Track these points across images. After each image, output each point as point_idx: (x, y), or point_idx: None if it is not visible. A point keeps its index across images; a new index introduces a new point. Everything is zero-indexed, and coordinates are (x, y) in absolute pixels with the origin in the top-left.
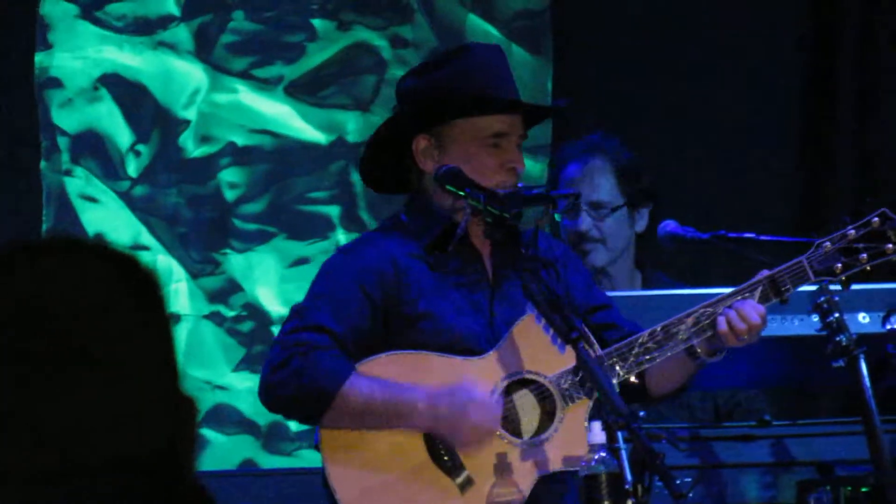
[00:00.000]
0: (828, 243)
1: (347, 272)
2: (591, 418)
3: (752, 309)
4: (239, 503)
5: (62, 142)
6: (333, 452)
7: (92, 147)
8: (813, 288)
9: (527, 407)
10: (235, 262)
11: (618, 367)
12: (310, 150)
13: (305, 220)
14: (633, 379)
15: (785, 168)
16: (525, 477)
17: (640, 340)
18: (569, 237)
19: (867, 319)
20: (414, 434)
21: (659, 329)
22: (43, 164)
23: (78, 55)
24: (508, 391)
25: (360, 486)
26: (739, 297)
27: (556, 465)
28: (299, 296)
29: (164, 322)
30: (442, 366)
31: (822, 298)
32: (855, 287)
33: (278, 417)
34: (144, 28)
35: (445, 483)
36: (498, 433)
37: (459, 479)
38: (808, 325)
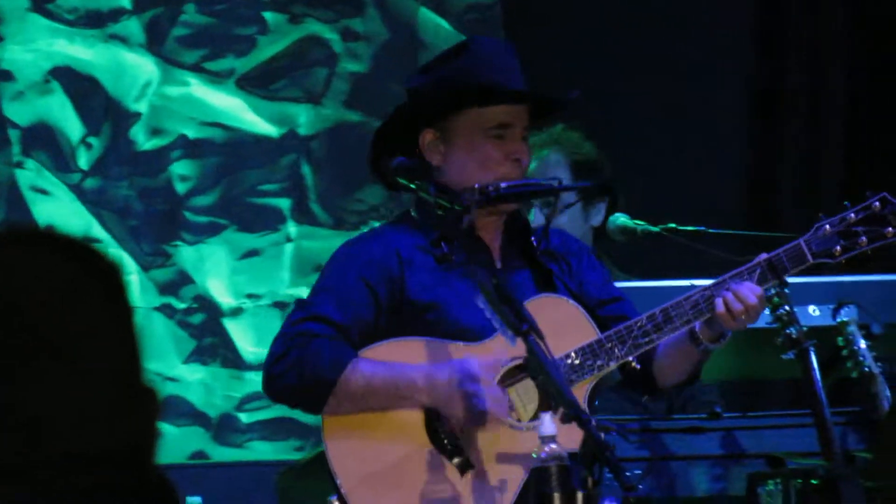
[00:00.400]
0: (827, 226)
1: (352, 265)
2: (542, 410)
3: (749, 290)
4: (190, 494)
5: (13, 134)
6: (335, 439)
7: (43, 139)
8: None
9: (526, 392)
10: (186, 255)
11: (616, 350)
12: (261, 142)
13: (256, 212)
14: (634, 364)
15: (735, 162)
16: (523, 461)
17: (638, 324)
18: None
19: (817, 312)
20: (413, 418)
21: (658, 312)
22: None
23: (29, 48)
24: (510, 375)
25: (362, 470)
26: (736, 280)
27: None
28: (251, 287)
29: (127, 314)
30: (444, 350)
31: (773, 291)
32: (805, 280)
33: (229, 409)
34: (96, 21)
35: (445, 465)
36: (495, 415)
37: (458, 462)
38: (759, 317)
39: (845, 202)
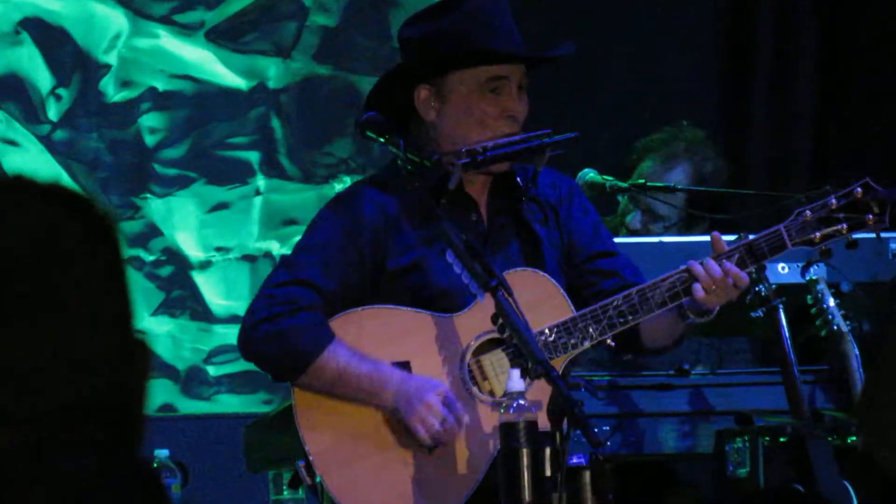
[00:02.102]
0: (808, 212)
1: (338, 225)
2: (511, 367)
3: (729, 273)
4: (157, 447)
5: None
6: (306, 406)
7: (12, 91)
8: (732, 237)
9: (499, 367)
10: (155, 207)
11: (591, 329)
12: (230, 95)
13: (225, 165)
14: (610, 343)
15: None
16: (494, 435)
17: (614, 303)
18: None
19: (786, 270)
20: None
21: (634, 293)
22: None
23: None
24: (483, 349)
25: (331, 438)
26: (714, 263)
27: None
28: (220, 240)
29: (119, 263)
30: (415, 322)
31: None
32: None
33: (197, 362)
34: None
35: (414, 439)
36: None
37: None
38: None
39: (827, 186)
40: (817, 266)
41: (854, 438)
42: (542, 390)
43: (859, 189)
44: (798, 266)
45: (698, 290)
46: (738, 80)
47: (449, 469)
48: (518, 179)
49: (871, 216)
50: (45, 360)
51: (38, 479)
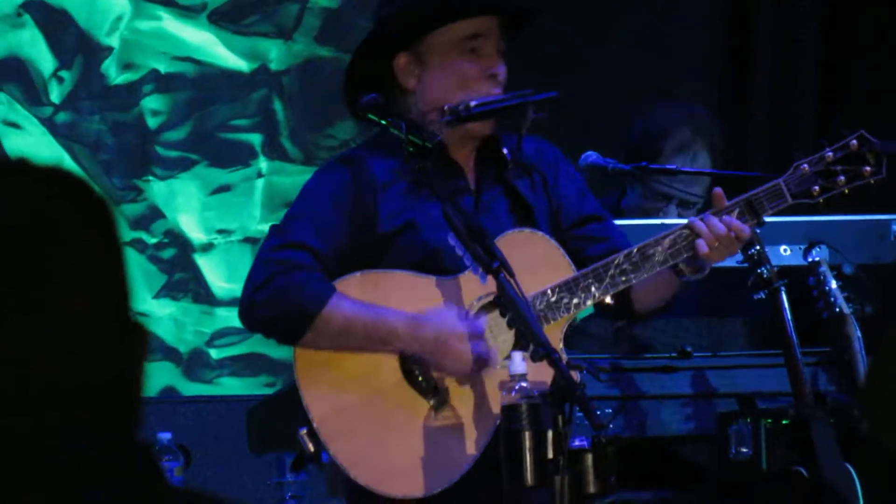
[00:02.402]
0: (805, 165)
1: (327, 190)
2: (514, 349)
3: (730, 227)
4: (160, 430)
5: None
6: (307, 372)
7: (14, 73)
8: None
9: (498, 329)
10: (158, 190)
11: (593, 289)
12: (232, 77)
13: (227, 147)
14: (608, 300)
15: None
16: (498, 398)
17: (616, 262)
18: None
19: (788, 252)
20: (388, 356)
21: (635, 251)
22: None
23: None
24: (484, 310)
25: (334, 404)
26: (715, 218)
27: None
28: (222, 223)
29: (116, 247)
30: (416, 286)
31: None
32: (776, 219)
33: (199, 345)
34: None
35: (420, 403)
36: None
37: (433, 400)
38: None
39: (822, 140)
40: (819, 248)
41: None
42: (545, 370)
43: (855, 141)
44: (800, 248)
45: (701, 245)
46: (739, 77)
47: (454, 433)
48: (504, 150)
49: (867, 168)
50: (41, 343)
51: (34, 465)
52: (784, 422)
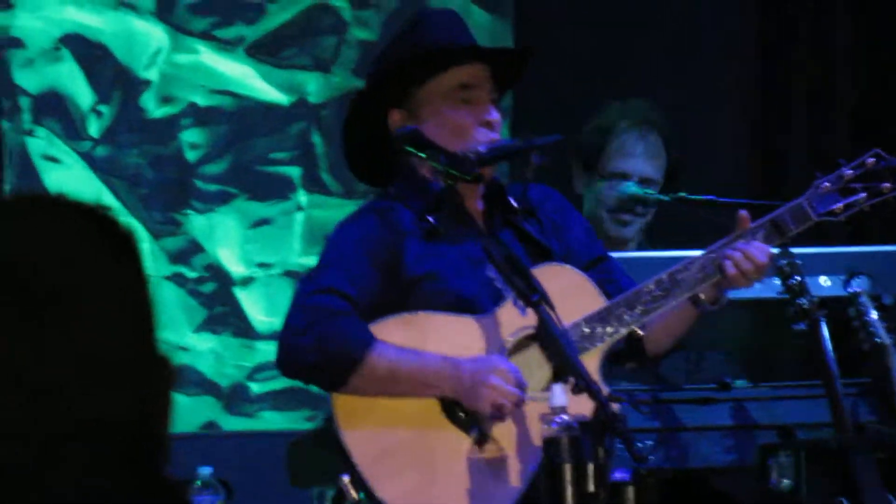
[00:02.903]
0: (826, 183)
1: (353, 240)
2: (553, 382)
3: (757, 249)
4: (200, 465)
5: (24, 102)
6: (346, 414)
7: (54, 107)
8: (774, 251)
9: (535, 360)
10: (197, 223)
11: (626, 316)
12: (271, 110)
13: (266, 181)
14: (639, 332)
15: (743, 132)
16: (539, 430)
17: (646, 289)
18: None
19: (829, 283)
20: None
21: (665, 277)
22: (4, 124)
23: (39, 15)
24: (518, 348)
25: (376, 446)
26: (742, 240)
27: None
28: (262, 256)
29: (141, 280)
30: (450, 325)
31: (784, 261)
32: (815, 250)
33: (240, 379)
34: None
35: (461, 439)
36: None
37: (476, 436)
38: (769, 287)
39: (840, 160)
40: (859, 279)
41: None
42: (585, 401)
43: (871, 159)
44: (840, 279)
45: (729, 266)
46: (773, 114)
47: (498, 469)
48: (510, 199)
49: (887, 184)
50: (64, 372)
51: (59, 499)
52: (825, 453)
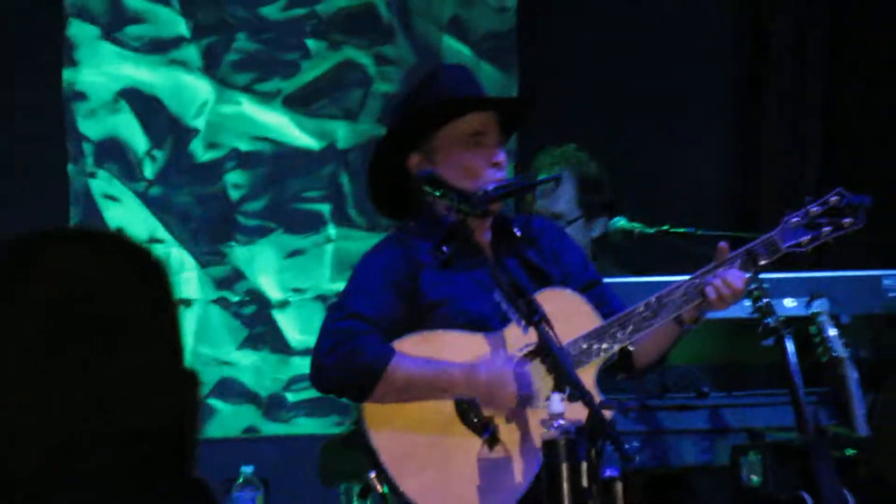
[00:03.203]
0: (794, 219)
1: (375, 270)
2: (553, 391)
3: (735, 276)
4: (243, 464)
5: (87, 148)
6: (373, 420)
7: (113, 152)
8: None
9: (540, 374)
10: (239, 254)
11: (619, 335)
12: (304, 155)
13: (301, 216)
14: (630, 347)
15: (721, 170)
16: (540, 434)
17: (637, 310)
18: None
19: (793, 303)
20: (445, 401)
21: (653, 300)
22: (70, 167)
23: (100, 71)
24: (525, 359)
25: (400, 447)
26: (721, 268)
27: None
28: (296, 282)
29: (173, 305)
30: (465, 341)
31: (754, 286)
32: (782, 275)
33: (277, 389)
34: (159, 47)
35: (474, 440)
36: (524, 399)
37: (487, 438)
38: (740, 309)
39: (807, 197)
40: (820, 300)
41: (852, 452)
42: (581, 408)
43: (834, 197)
44: (803, 300)
45: (711, 292)
46: (752, 118)
47: (507, 468)
48: (515, 228)
49: (848, 219)
50: (110, 388)
51: (108, 499)
52: (789, 452)
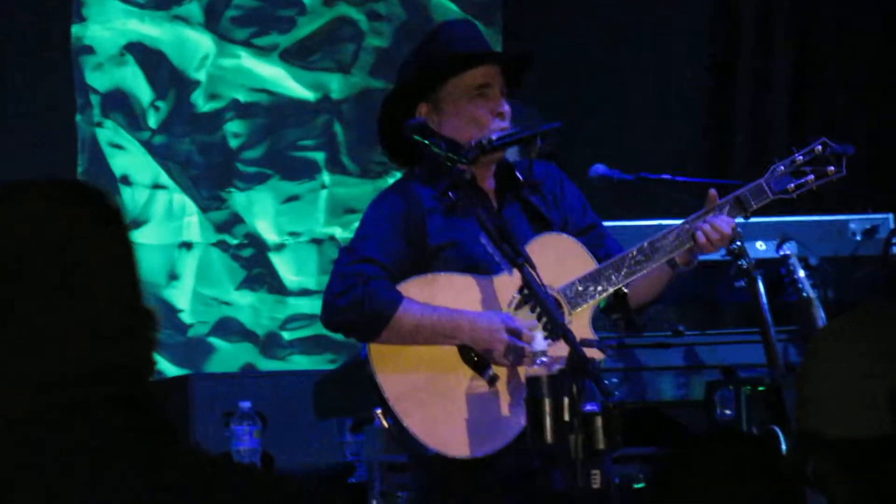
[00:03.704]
0: (781, 167)
1: (384, 215)
2: (535, 331)
3: (724, 221)
4: (241, 400)
5: (94, 99)
6: (379, 359)
7: (119, 103)
8: (676, 221)
9: (529, 320)
10: (238, 199)
11: (614, 277)
12: (300, 106)
13: (296, 164)
14: (625, 290)
15: (691, 134)
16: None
17: (630, 254)
18: None
19: (764, 247)
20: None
21: (646, 245)
22: (78, 117)
23: (107, 27)
24: (521, 303)
25: (405, 384)
26: (711, 214)
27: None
28: (292, 226)
29: (129, 246)
30: (467, 283)
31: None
32: (753, 220)
33: (274, 328)
34: (162, 4)
35: (476, 380)
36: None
37: (487, 376)
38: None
39: (792, 147)
40: (789, 243)
41: None
42: (563, 346)
43: (819, 146)
44: (773, 244)
45: (700, 236)
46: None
47: (504, 405)
48: (517, 173)
49: (831, 168)
50: (65, 331)
51: (69, 429)
52: (761, 388)
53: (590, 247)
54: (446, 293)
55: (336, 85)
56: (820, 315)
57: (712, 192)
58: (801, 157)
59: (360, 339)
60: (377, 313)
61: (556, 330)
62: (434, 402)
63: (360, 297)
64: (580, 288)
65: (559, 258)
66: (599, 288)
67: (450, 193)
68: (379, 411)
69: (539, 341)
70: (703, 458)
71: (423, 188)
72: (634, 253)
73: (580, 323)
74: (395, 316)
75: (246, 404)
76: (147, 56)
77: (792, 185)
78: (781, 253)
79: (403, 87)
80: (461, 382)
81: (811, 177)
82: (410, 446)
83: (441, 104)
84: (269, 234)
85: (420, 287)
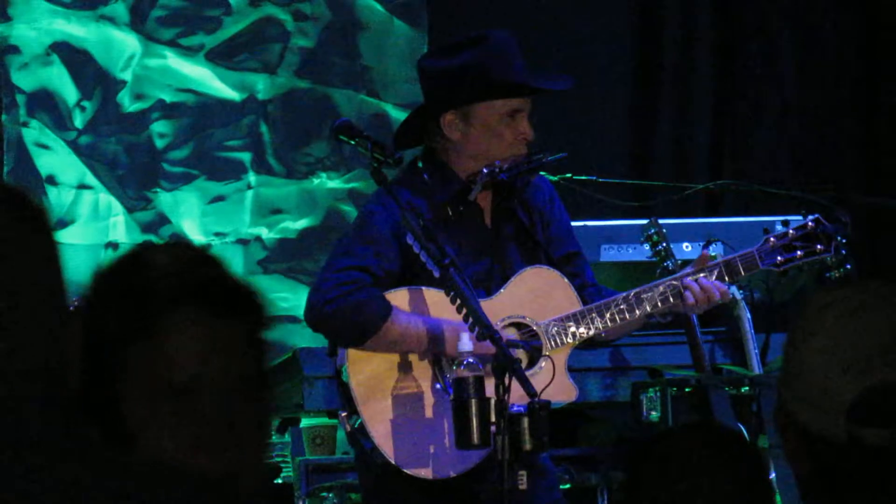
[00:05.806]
0: (773, 239)
1: (383, 222)
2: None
3: (715, 287)
4: None
5: (20, 98)
6: (354, 363)
7: (45, 103)
8: (644, 221)
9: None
10: (164, 200)
11: (597, 322)
12: (226, 106)
13: (222, 164)
14: (601, 334)
15: (616, 136)
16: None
17: (615, 302)
18: None
19: (689, 248)
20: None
21: (632, 295)
22: (3, 117)
23: (33, 26)
24: (506, 329)
25: (374, 391)
26: (700, 276)
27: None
28: (218, 227)
29: (53, 248)
30: (445, 301)
31: (653, 231)
32: (679, 221)
33: None
34: (88, 4)
35: (444, 397)
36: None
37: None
38: (640, 252)
39: (785, 220)
40: (715, 245)
41: (746, 389)
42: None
43: (811, 223)
44: (699, 245)
45: (689, 297)
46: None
47: None
48: (513, 196)
49: (820, 246)
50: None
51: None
52: (687, 389)
53: (569, 275)
54: (434, 311)
55: (262, 85)
56: (746, 315)
57: (705, 252)
58: (792, 233)
59: (342, 345)
60: (365, 324)
61: (484, 331)
62: (401, 414)
63: (351, 305)
64: (562, 326)
65: (546, 293)
66: (581, 330)
67: (449, 209)
68: (343, 414)
69: (465, 342)
70: (671, 450)
71: (425, 196)
72: (619, 301)
73: (558, 361)
74: (384, 326)
75: None
76: (73, 56)
77: (781, 258)
78: None
79: (436, 98)
80: (429, 396)
81: (800, 252)
82: (365, 451)
83: (469, 117)
84: (195, 235)
85: (408, 302)
